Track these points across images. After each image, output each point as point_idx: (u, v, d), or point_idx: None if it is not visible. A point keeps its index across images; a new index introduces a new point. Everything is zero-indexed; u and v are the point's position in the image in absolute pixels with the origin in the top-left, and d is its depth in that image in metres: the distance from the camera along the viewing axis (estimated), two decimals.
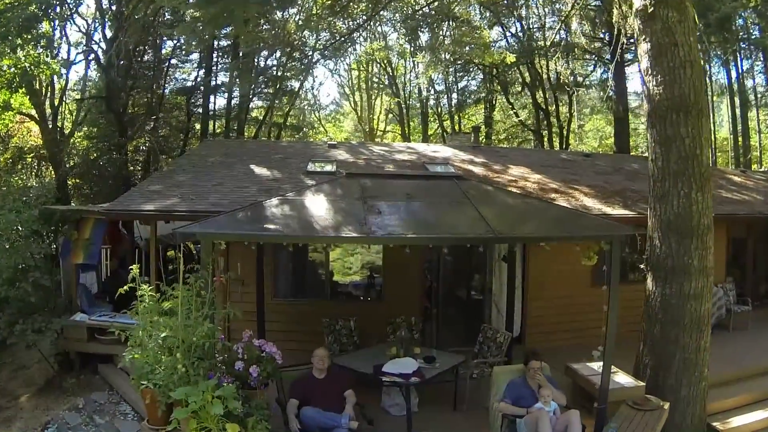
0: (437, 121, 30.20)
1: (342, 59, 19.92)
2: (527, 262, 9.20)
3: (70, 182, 19.31)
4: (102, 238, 9.42)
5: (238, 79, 15.98)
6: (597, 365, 7.02)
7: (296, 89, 23.41)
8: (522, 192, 9.77)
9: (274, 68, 21.48)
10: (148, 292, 4.53)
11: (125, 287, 4.61)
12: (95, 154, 19.88)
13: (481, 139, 16.67)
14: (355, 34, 13.11)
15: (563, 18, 9.88)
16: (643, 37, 6.41)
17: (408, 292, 8.97)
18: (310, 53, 13.67)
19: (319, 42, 15.02)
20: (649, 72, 6.40)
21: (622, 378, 6.51)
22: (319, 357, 5.40)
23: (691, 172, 6.19)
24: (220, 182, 9.63)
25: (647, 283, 6.70)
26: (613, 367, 6.71)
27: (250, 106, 24.07)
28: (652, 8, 6.24)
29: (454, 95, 28.41)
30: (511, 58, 12.50)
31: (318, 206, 5.66)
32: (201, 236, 4.66)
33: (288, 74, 19.85)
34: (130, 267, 4.67)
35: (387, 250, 8.71)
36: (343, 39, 12.37)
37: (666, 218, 6.37)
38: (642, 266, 6.76)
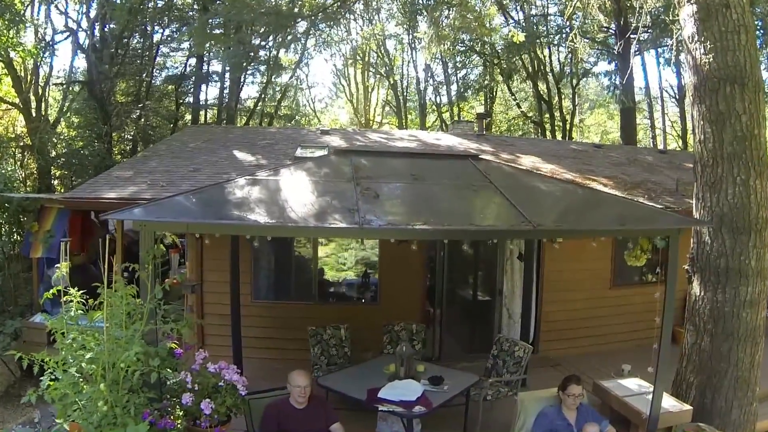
0: (435, 113, 29.13)
1: (334, 27, 18.89)
2: (542, 261, 8.19)
3: (55, 173, 18.24)
4: (64, 230, 8.37)
5: (228, 63, 14.93)
6: (631, 382, 6.14)
7: (288, 65, 22.32)
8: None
9: (267, 47, 20.50)
10: (77, 297, 3.49)
11: (50, 292, 3.61)
12: (81, 143, 18.78)
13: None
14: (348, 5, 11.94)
15: (587, 2, 8.80)
16: None
17: (408, 293, 7.96)
18: (299, 20, 12.59)
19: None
20: (695, 38, 5.39)
21: (664, 399, 5.51)
22: (299, 388, 4.17)
23: (749, 155, 5.22)
24: (197, 168, 8.59)
25: (693, 288, 5.72)
26: (649, 384, 5.79)
27: (241, 95, 22.98)
28: None
29: (453, 86, 27.33)
30: (519, 37, 11.46)
31: (297, 189, 4.51)
32: (138, 225, 3.59)
33: (278, 47, 18.79)
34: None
35: (383, 243, 7.58)
36: (337, 3, 11.21)
37: (719, 210, 5.38)
38: (686, 267, 5.75)
